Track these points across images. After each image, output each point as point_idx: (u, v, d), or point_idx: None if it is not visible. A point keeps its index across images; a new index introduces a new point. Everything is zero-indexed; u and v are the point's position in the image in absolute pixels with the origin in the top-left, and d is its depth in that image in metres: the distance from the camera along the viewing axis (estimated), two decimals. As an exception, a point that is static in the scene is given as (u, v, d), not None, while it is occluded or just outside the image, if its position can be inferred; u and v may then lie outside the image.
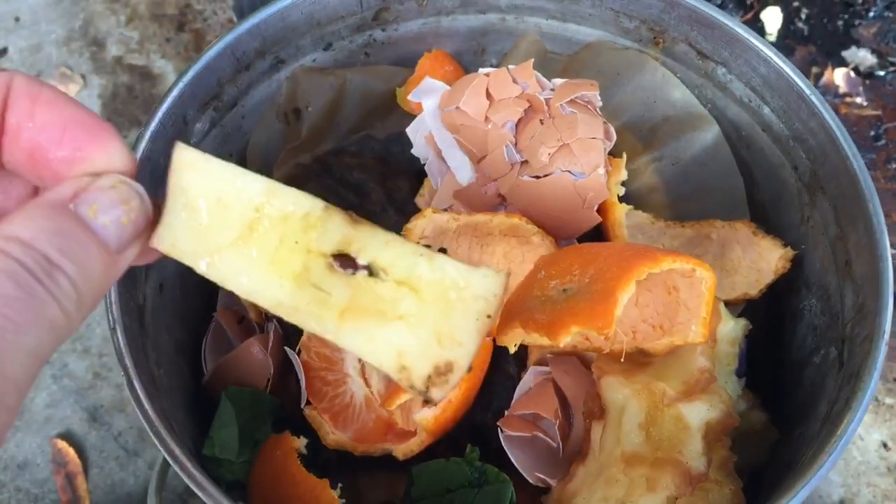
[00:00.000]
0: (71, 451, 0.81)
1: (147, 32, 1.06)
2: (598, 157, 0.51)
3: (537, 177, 0.51)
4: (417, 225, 0.50)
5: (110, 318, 0.44)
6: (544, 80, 0.54)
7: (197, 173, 0.31)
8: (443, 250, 0.50)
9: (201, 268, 0.30)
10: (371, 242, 0.30)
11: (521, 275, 0.48)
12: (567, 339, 0.41)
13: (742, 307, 0.57)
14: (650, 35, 0.58)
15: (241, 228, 0.30)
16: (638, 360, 0.46)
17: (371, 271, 0.30)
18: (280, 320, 0.57)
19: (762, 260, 0.56)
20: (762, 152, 0.57)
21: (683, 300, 0.44)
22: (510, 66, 0.54)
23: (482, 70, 0.54)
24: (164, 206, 0.31)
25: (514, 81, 0.53)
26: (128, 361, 0.43)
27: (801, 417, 0.50)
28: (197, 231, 0.30)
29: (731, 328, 0.47)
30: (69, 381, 0.85)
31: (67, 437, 0.82)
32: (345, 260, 0.29)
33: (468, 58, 0.64)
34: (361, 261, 0.29)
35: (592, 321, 0.40)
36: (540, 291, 0.45)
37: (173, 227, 0.31)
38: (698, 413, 0.43)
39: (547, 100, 0.52)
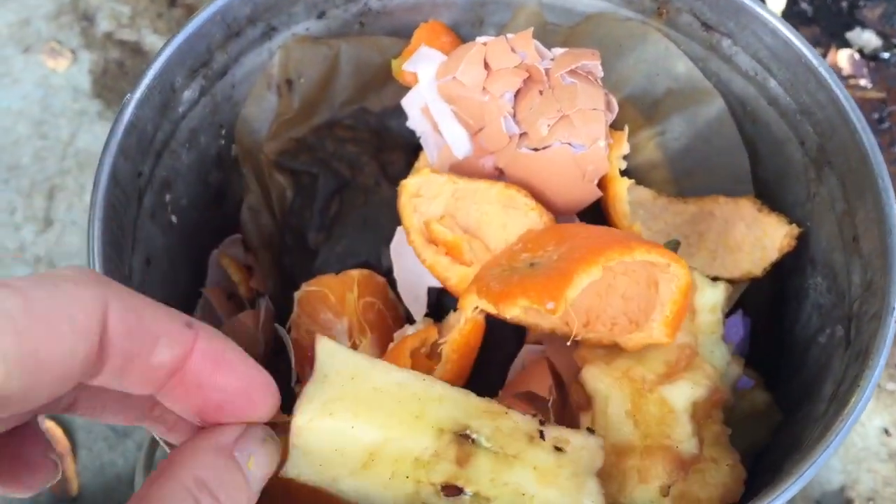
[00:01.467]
0: (59, 432, 0.80)
1: (138, 7, 1.04)
2: (599, 129, 0.49)
3: (536, 149, 0.50)
4: (412, 182, 0.48)
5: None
6: (544, 49, 0.52)
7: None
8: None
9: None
10: (477, 477, 0.34)
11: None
12: (514, 311, 0.40)
13: (745, 286, 0.56)
14: (653, 5, 0.57)
15: (356, 466, 0.35)
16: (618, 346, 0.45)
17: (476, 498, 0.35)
18: (272, 296, 0.56)
19: (766, 237, 0.54)
20: (768, 127, 0.55)
21: (661, 297, 0.42)
22: (508, 35, 0.52)
23: (480, 39, 0.52)
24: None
25: (513, 51, 0.51)
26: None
27: (806, 398, 0.48)
28: (318, 469, 0.35)
29: (710, 295, 0.46)
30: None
31: (55, 417, 0.81)
32: (451, 489, 0.34)
33: (465, 29, 0.62)
34: (468, 491, 0.34)
35: (541, 297, 0.39)
36: (508, 261, 0.43)
37: (298, 465, 0.35)
38: (682, 393, 0.42)
39: (546, 70, 0.51)
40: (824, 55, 1.03)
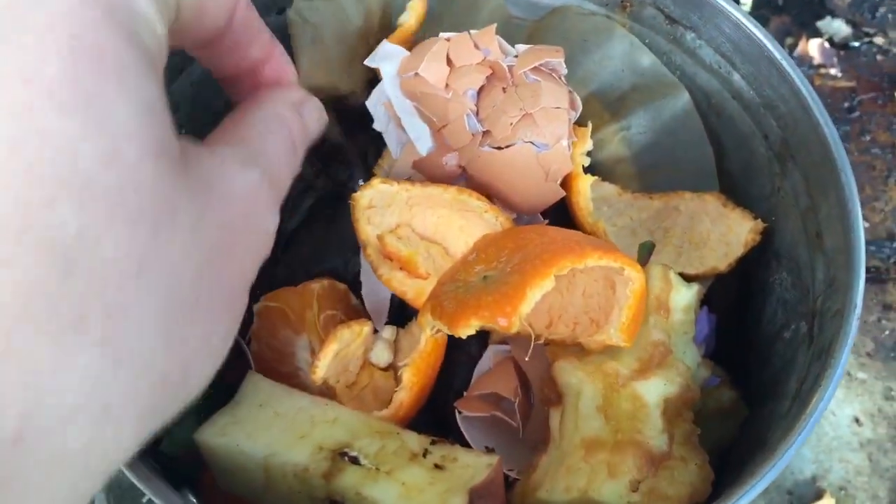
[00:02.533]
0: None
1: None
2: (562, 128, 0.49)
3: (499, 147, 0.49)
4: (364, 195, 0.47)
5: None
6: (507, 45, 0.52)
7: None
8: None
9: None
10: (343, 491, 0.39)
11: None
12: (468, 331, 0.40)
13: (711, 282, 0.55)
14: (617, -1, 0.56)
15: (262, 481, 0.40)
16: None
17: None
18: None
19: (731, 233, 0.54)
20: (732, 120, 0.55)
21: (618, 301, 0.42)
22: (472, 31, 0.51)
23: (443, 35, 0.52)
24: None
25: (476, 47, 0.50)
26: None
27: (772, 394, 0.48)
28: (238, 484, 0.42)
29: (684, 295, 0.46)
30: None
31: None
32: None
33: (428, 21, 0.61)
34: None
35: (494, 316, 0.39)
36: (464, 275, 0.43)
37: (222, 480, 0.44)
38: (655, 389, 0.42)
39: (510, 67, 0.50)
40: (795, 44, 1.03)
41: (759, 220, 0.53)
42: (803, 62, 0.99)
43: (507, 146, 0.49)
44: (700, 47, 0.55)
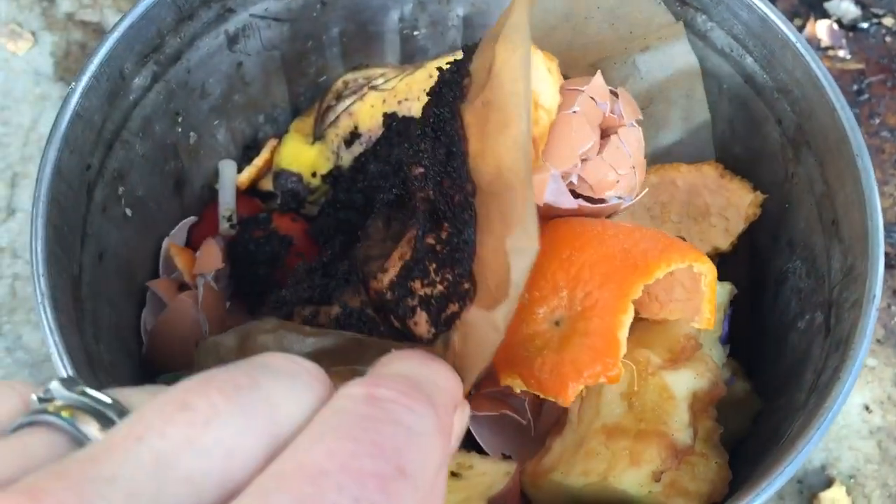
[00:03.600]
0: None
1: (100, -14, 1.01)
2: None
3: (589, 199, 0.46)
4: None
5: (37, 290, 0.40)
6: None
7: None
8: None
9: None
10: None
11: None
12: (574, 395, 0.38)
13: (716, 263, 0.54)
14: (625, -20, 0.55)
15: None
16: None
17: None
18: (216, 277, 0.54)
19: (730, 206, 0.52)
20: (744, 105, 0.54)
21: (679, 278, 0.41)
22: (587, 89, 0.46)
23: (574, 108, 0.46)
24: None
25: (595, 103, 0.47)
26: (55, 337, 0.39)
27: (786, 386, 0.47)
28: None
29: (717, 294, 0.44)
30: (24, 355, 0.81)
31: (22, 412, 0.79)
32: None
33: (433, 7, 0.60)
34: None
35: (598, 376, 0.37)
36: (532, 328, 0.41)
37: None
38: (685, 382, 0.41)
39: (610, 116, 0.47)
40: (803, 26, 1.01)
41: (759, 192, 0.52)
42: (811, 44, 0.98)
43: (599, 199, 0.45)
44: (711, 30, 0.53)
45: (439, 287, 0.38)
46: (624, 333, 0.37)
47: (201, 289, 0.52)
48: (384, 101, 0.60)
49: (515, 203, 0.33)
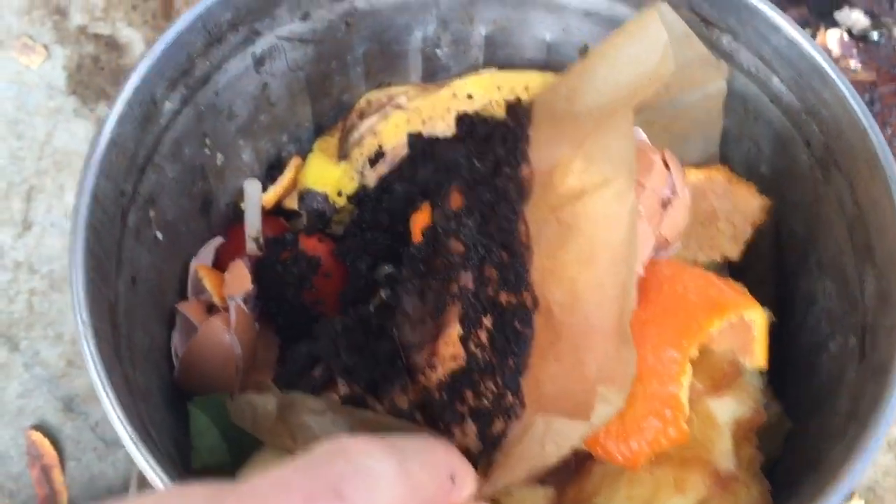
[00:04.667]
0: (46, 443, 0.78)
1: (112, -1, 1.01)
2: None
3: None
4: None
5: (80, 320, 0.40)
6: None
7: None
8: None
9: None
10: None
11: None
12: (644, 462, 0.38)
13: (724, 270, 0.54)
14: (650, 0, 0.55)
15: None
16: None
17: None
18: (245, 299, 0.54)
19: (737, 211, 0.52)
20: (770, 125, 0.54)
21: (746, 341, 0.41)
22: (648, 183, 0.46)
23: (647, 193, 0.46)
24: None
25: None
26: (99, 369, 0.39)
27: (818, 409, 0.47)
28: None
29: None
30: (41, 370, 0.82)
31: (42, 428, 0.79)
32: None
33: (456, 26, 0.60)
34: None
35: (663, 440, 0.37)
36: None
37: None
38: (728, 409, 0.41)
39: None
40: (813, 36, 1.01)
41: (767, 198, 0.52)
42: (823, 55, 0.98)
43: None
44: (737, 51, 0.53)
45: (487, 399, 0.38)
46: (685, 394, 0.38)
47: (233, 312, 0.52)
48: (408, 120, 0.60)
49: (608, 354, 0.33)
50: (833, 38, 1.04)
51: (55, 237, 0.88)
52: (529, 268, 0.37)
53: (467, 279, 0.40)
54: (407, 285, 0.44)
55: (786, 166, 0.54)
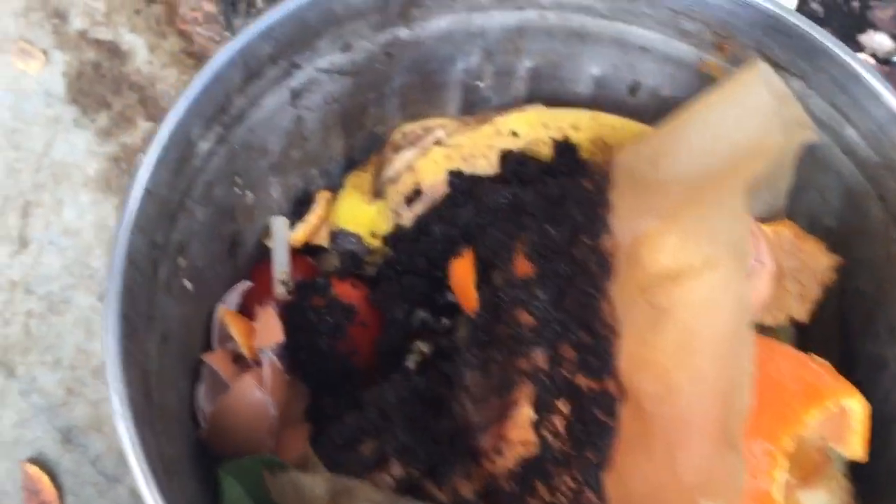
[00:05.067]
0: (45, 478, 0.74)
1: (114, 3, 0.96)
2: None
3: None
4: None
5: (115, 399, 0.36)
6: None
7: None
8: None
9: None
10: None
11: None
12: None
13: (791, 335, 0.51)
14: (714, 39, 0.51)
15: None
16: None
17: None
18: (277, 352, 0.51)
19: (805, 270, 0.49)
20: (840, 177, 0.51)
21: (844, 431, 0.38)
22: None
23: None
24: None
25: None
26: (137, 452, 0.35)
27: (892, 484, 0.44)
28: None
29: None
30: (39, 398, 0.77)
31: (39, 460, 0.75)
32: None
33: (501, 58, 0.56)
34: None
35: None
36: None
37: None
38: (819, 501, 0.38)
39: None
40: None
41: (836, 255, 0.49)
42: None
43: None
44: (808, 97, 0.50)
45: (563, 494, 0.34)
46: (780, 490, 0.34)
47: (266, 368, 0.48)
48: (447, 156, 0.57)
49: (708, 458, 0.30)
50: (857, 61, 1.02)
51: (53, 255, 0.84)
52: (615, 352, 0.33)
53: (539, 357, 0.36)
54: (466, 356, 0.40)
55: (855, 221, 0.51)
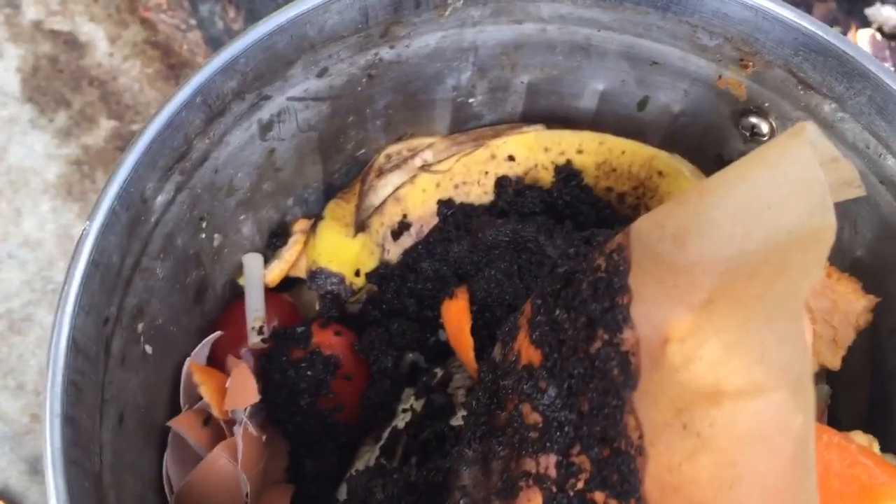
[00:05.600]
0: (13, 512, 0.70)
1: (70, -11, 0.89)
2: None
3: None
4: None
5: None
6: None
7: None
8: None
9: None
10: None
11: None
12: None
13: (826, 395, 0.47)
14: (735, 55, 0.46)
15: None
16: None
17: None
18: (251, 416, 0.45)
19: (838, 312, 0.45)
20: (876, 208, 0.46)
21: None
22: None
23: None
24: None
25: None
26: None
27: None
28: None
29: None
30: (2, 426, 0.73)
31: (5, 494, 0.71)
32: None
33: (495, 73, 0.51)
34: None
35: None
36: None
37: None
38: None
39: None
40: (843, 35, 0.93)
41: (872, 295, 0.45)
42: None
43: None
44: (841, 121, 0.45)
45: None
46: None
47: (239, 440, 0.43)
48: (438, 184, 0.51)
49: None
50: (864, 38, 0.96)
51: (13, 270, 0.78)
52: (643, 475, 0.28)
53: (549, 462, 0.31)
54: (465, 451, 0.35)
55: (890, 255, 0.46)
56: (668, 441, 0.28)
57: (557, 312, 0.32)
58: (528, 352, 0.33)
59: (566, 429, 0.31)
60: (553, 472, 0.31)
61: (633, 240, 0.31)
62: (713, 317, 0.28)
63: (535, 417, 0.32)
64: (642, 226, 0.31)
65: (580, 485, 0.30)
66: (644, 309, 0.30)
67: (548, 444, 0.31)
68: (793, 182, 0.29)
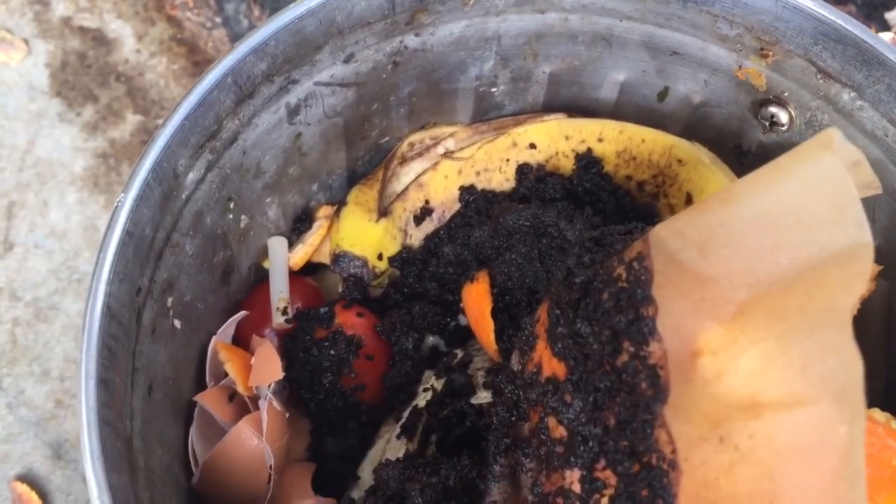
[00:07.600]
0: (34, 497, 0.71)
1: (99, -13, 0.91)
2: None
3: None
4: None
5: (93, 482, 0.32)
6: None
7: None
8: None
9: None
10: None
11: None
12: None
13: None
14: (756, 45, 0.47)
15: None
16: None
17: None
18: (275, 392, 0.46)
19: None
20: (893, 196, 0.46)
21: None
22: None
23: None
24: None
25: None
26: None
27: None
28: None
29: None
30: (27, 412, 0.74)
31: (28, 478, 0.71)
32: None
33: (518, 62, 0.51)
34: None
35: None
36: None
37: None
38: None
39: None
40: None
41: (874, 265, 0.45)
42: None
43: None
44: (860, 109, 0.45)
45: None
46: None
47: (264, 413, 0.44)
48: (460, 171, 0.52)
49: None
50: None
51: (40, 259, 0.80)
52: (677, 490, 0.28)
53: (573, 477, 0.31)
54: (493, 467, 0.35)
55: (909, 244, 0.46)
56: (703, 455, 0.27)
57: (579, 324, 0.32)
58: (550, 364, 0.33)
59: (590, 443, 0.31)
60: (577, 488, 0.31)
61: (653, 248, 0.30)
62: (747, 329, 0.28)
63: (560, 431, 0.32)
64: (662, 233, 0.31)
65: (604, 501, 0.30)
66: (670, 321, 0.30)
67: (572, 459, 0.31)
68: (824, 196, 0.28)
